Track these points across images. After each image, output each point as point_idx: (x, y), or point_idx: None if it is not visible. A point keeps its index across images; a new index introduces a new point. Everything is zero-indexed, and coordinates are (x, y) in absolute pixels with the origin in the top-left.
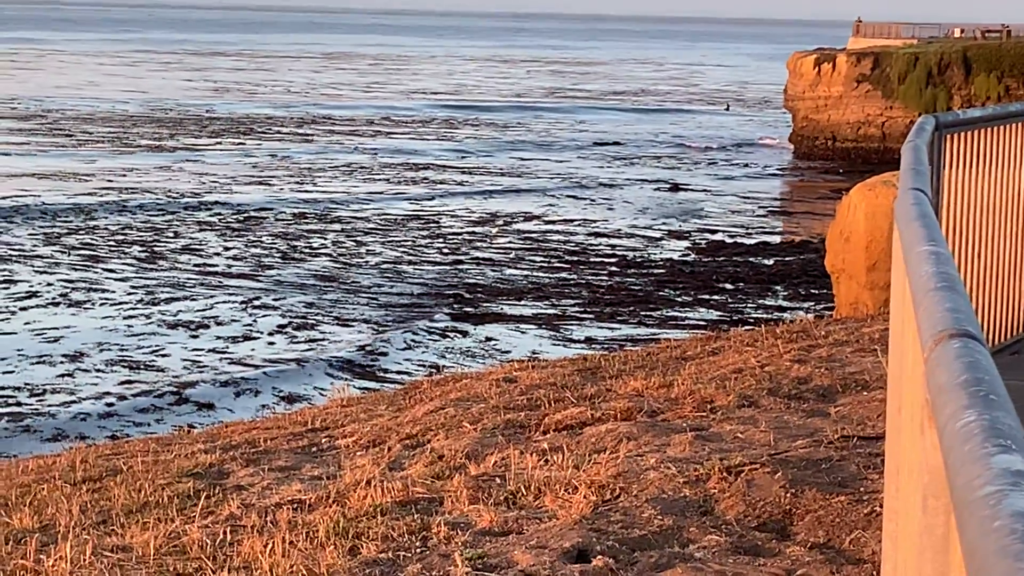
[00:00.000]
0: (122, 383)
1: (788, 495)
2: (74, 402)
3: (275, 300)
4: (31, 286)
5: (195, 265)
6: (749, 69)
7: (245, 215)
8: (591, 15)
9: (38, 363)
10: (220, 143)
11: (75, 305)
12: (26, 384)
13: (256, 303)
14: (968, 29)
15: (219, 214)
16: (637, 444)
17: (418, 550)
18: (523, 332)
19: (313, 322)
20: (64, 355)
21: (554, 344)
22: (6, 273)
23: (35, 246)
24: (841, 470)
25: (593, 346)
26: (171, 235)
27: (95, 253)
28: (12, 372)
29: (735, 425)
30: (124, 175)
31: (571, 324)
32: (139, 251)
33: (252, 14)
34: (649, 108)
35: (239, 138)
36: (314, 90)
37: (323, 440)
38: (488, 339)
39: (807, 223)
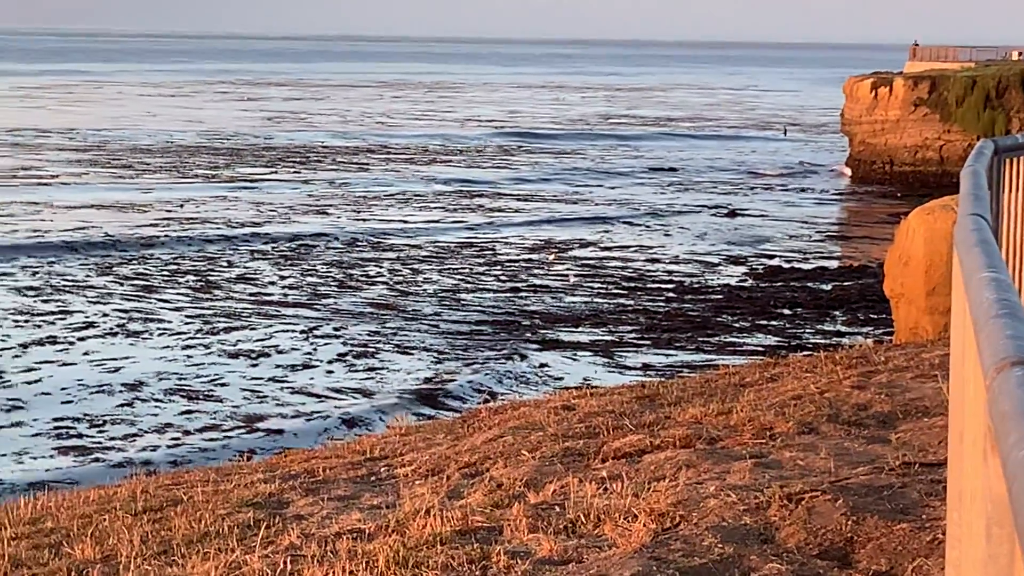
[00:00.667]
0: (182, 413)
1: (849, 522)
2: (135, 434)
3: (334, 329)
4: (87, 316)
5: (250, 294)
6: (803, 94)
7: (300, 244)
8: (642, 40)
9: (98, 393)
10: (276, 172)
11: (133, 335)
12: (86, 415)
13: (316, 332)
14: None
15: (274, 243)
16: (696, 472)
17: None
18: (578, 359)
19: (373, 350)
20: (124, 385)
21: (609, 371)
22: (63, 304)
23: (89, 275)
24: (903, 497)
25: (650, 373)
26: (225, 264)
27: (150, 283)
28: (71, 402)
29: (795, 452)
30: (181, 205)
31: (628, 350)
32: (194, 280)
33: (303, 44)
34: (704, 134)
35: (295, 167)
36: (369, 118)
37: (382, 469)
38: (544, 366)
39: (865, 248)
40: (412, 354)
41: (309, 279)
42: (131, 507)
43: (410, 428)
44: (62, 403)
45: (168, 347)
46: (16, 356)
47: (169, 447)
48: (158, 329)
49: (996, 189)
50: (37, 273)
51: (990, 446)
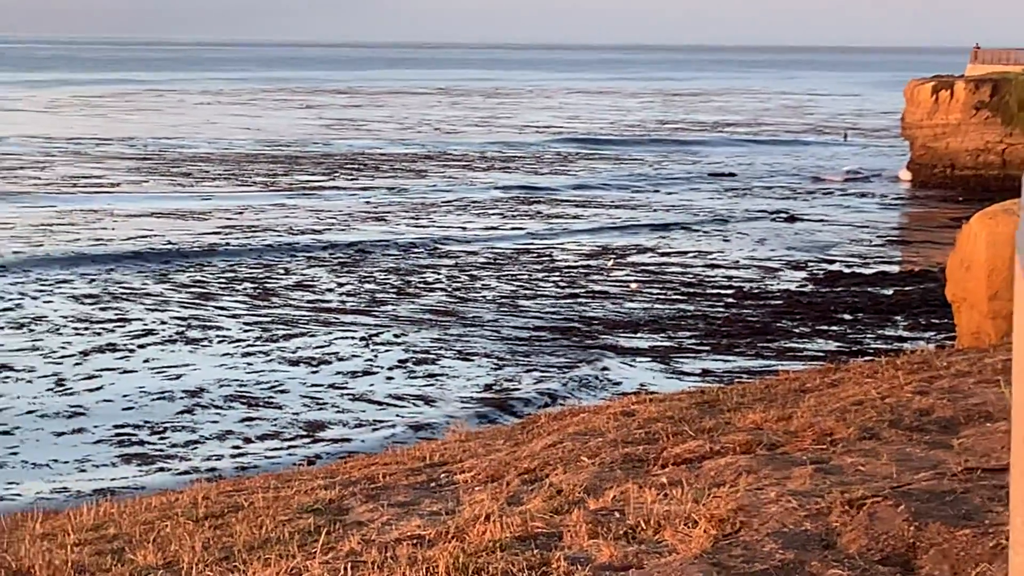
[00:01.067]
0: (242, 420)
1: (912, 528)
2: (196, 440)
3: (394, 336)
4: (146, 324)
5: (308, 301)
6: (863, 98)
7: (359, 250)
8: (695, 46)
9: (159, 400)
10: (334, 179)
11: (192, 343)
12: (146, 422)
13: (376, 339)
14: None
15: (332, 250)
16: (757, 477)
17: None
18: (637, 365)
19: (434, 357)
20: (184, 392)
21: (668, 377)
22: (122, 312)
23: (147, 283)
24: (965, 503)
25: (709, 378)
26: (282, 271)
27: (208, 291)
28: (133, 408)
29: (856, 457)
30: (240, 213)
31: (688, 356)
32: (252, 288)
33: (359, 51)
34: (763, 139)
35: (353, 174)
36: (427, 125)
37: (441, 475)
38: (605, 370)
39: (926, 252)
40: (472, 360)
41: (367, 286)
42: (192, 513)
43: (470, 434)
44: (123, 410)
45: (227, 354)
46: (77, 364)
47: (232, 456)
48: (217, 336)
49: None
50: (95, 280)
51: None
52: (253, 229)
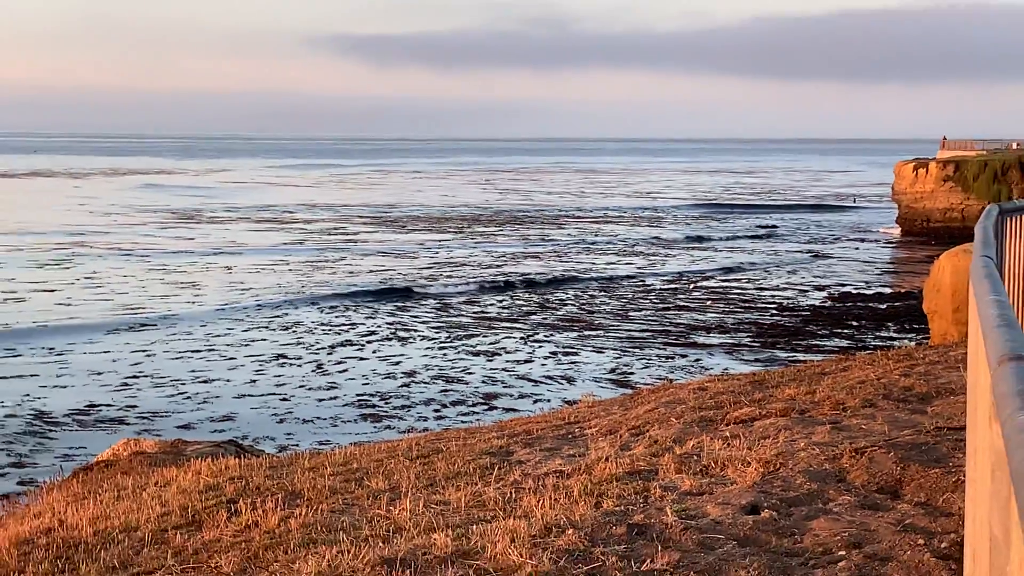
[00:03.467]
0: (442, 391)
1: (899, 468)
2: (410, 406)
3: (544, 336)
4: (368, 328)
5: (474, 314)
6: (864, 173)
7: (507, 282)
8: (756, 139)
9: (386, 378)
10: (503, 231)
11: (401, 341)
12: (377, 391)
13: (531, 338)
14: (1023, 143)
15: (500, 279)
16: (791, 433)
17: (641, 504)
18: (710, 356)
19: (575, 350)
20: (402, 372)
21: (730, 363)
22: (350, 319)
23: (365, 299)
24: (936, 451)
25: (758, 364)
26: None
27: (405, 305)
28: (368, 384)
29: (860, 420)
30: (437, 252)
31: (745, 350)
32: (435, 304)
33: (524, 144)
34: (794, 204)
35: (515, 227)
36: (569, 193)
37: (576, 430)
38: (682, 356)
39: (910, 279)
40: (602, 352)
41: (518, 303)
42: (409, 454)
43: (596, 402)
44: (362, 385)
45: (429, 348)
46: (328, 354)
47: (435, 417)
48: (417, 336)
49: (1000, 238)
50: (335, 307)
51: (994, 415)
52: (446, 266)
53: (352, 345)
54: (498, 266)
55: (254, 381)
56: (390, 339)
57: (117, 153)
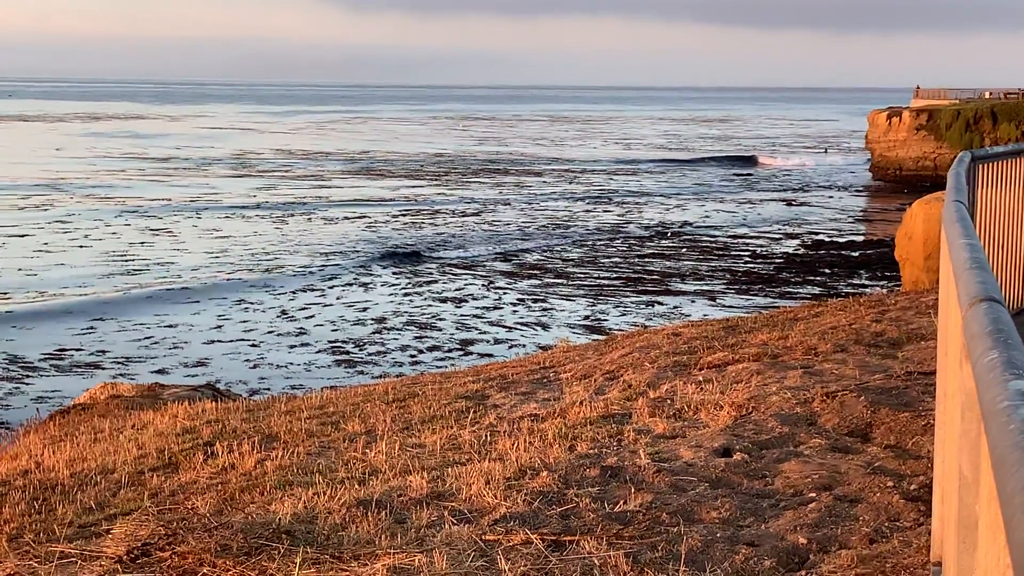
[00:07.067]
0: (415, 337)
1: (869, 412)
2: (384, 352)
3: (507, 283)
4: (329, 273)
5: (436, 257)
6: (840, 122)
7: (480, 221)
8: (733, 87)
9: (356, 325)
10: (478, 177)
11: (363, 287)
12: (350, 338)
13: (493, 285)
14: (995, 92)
15: (463, 217)
16: (763, 378)
17: (615, 448)
18: (687, 304)
19: (542, 297)
20: (372, 319)
21: (706, 309)
22: (312, 266)
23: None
24: (906, 395)
25: (732, 310)
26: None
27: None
28: (338, 330)
29: (832, 364)
30: (415, 200)
31: (718, 296)
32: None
33: (502, 91)
34: (768, 150)
35: (492, 175)
36: (545, 139)
37: (551, 375)
38: (657, 304)
39: (882, 226)
40: (573, 300)
41: (477, 248)
42: (385, 398)
43: (570, 347)
44: (332, 331)
45: (394, 295)
46: (290, 300)
47: (410, 364)
48: (381, 282)
49: (972, 185)
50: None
51: (965, 357)
52: (421, 203)
53: (315, 291)
54: (476, 215)
55: (219, 327)
56: (351, 284)
57: (90, 98)
